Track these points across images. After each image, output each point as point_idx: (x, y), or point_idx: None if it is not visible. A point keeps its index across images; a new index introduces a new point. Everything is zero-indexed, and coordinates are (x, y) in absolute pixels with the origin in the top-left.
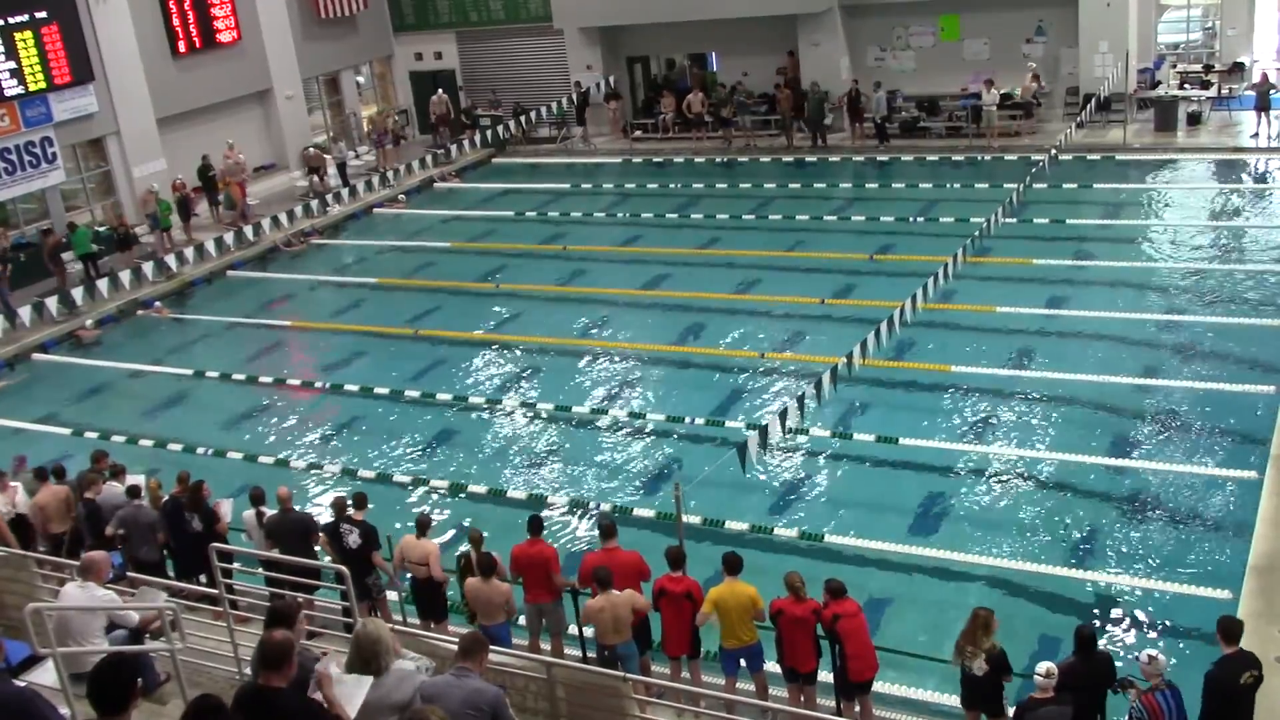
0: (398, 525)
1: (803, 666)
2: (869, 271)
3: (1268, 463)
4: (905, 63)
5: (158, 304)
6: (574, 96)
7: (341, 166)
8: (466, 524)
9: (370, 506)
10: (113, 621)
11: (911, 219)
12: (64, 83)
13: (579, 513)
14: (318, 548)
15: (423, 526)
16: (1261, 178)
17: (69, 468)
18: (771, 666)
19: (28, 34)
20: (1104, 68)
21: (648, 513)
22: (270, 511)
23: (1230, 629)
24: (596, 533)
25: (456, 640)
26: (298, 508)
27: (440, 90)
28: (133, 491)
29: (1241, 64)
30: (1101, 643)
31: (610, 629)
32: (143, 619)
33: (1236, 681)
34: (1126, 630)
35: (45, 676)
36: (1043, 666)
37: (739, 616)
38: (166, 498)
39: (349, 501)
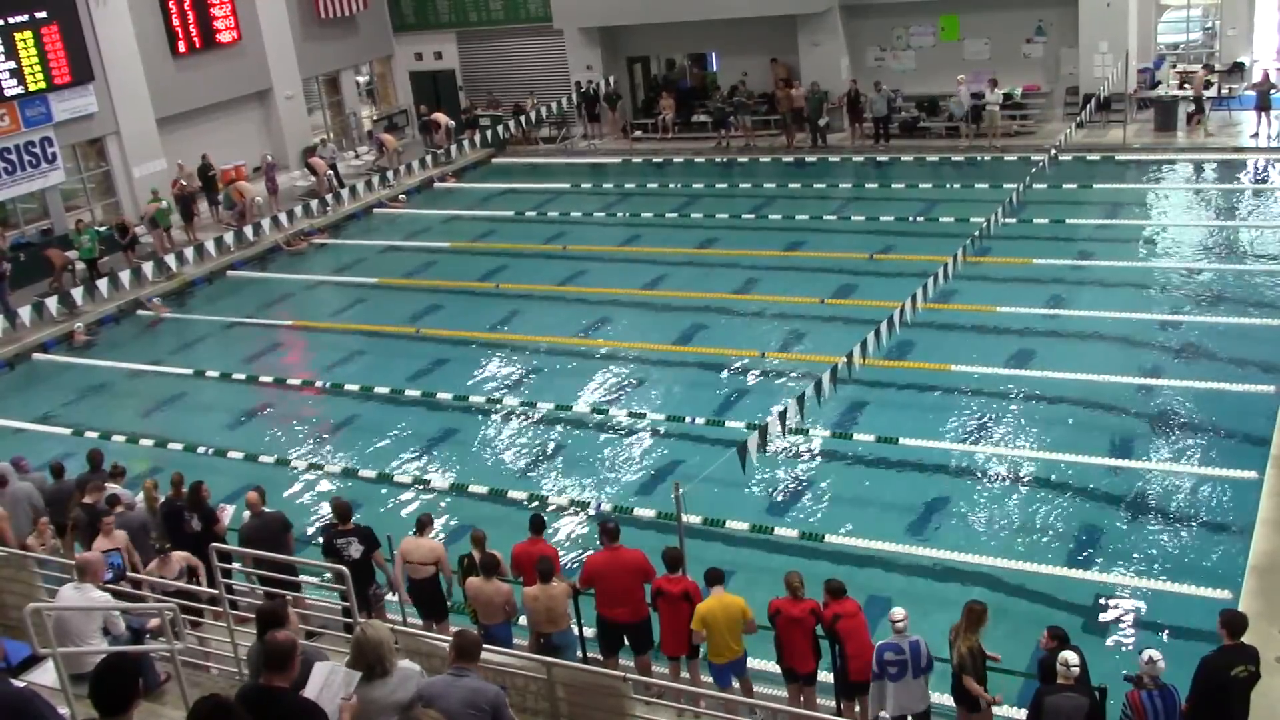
0: (396, 529)
1: (801, 667)
2: (869, 271)
3: (1268, 463)
4: (905, 63)
5: (155, 300)
6: (574, 96)
7: (333, 168)
8: (455, 522)
9: (350, 512)
10: (105, 627)
11: (911, 219)
12: (64, 83)
13: (579, 513)
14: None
15: (422, 526)
16: (1261, 177)
17: (69, 467)
18: (771, 666)
19: (28, 34)
20: (1104, 68)
21: (648, 513)
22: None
23: (1233, 622)
24: (597, 532)
25: None
26: (270, 508)
27: (444, 113)
28: (112, 500)
29: (1241, 64)
30: (1101, 643)
31: (544, 619)
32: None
33: (1228, 672)
34: (1127, 630)
35: (45, 676)
36: (1062, 655)
37: (729, 629)
38: (163, 499)
39: (338, 517)
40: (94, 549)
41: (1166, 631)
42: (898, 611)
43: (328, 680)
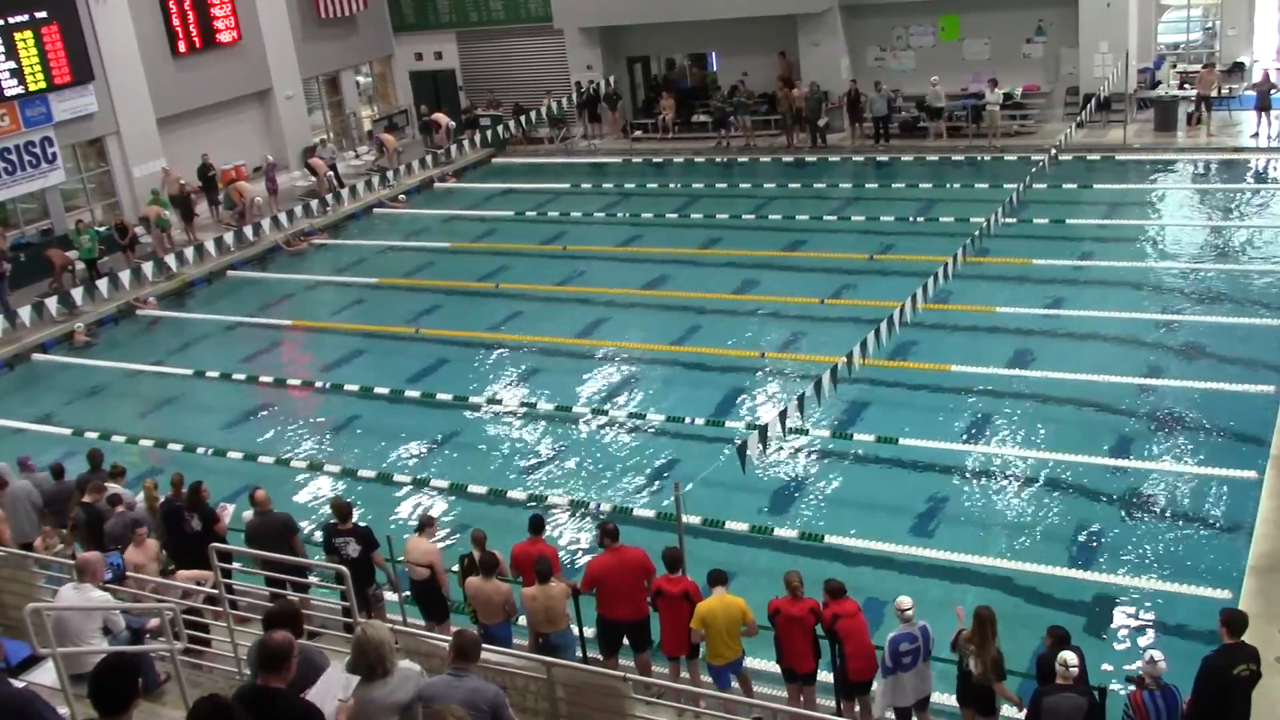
0: (394, 526)
1: (800, 666)
2: (869, 271)
3: (1268, 463)
4: (905, 63)
5: (151, 299)
6: (573, 96)
7: (333, 168)
8: (455, 522)
9: (355, 512)
10: (106, 625)
11: (911, 219)
12: (64, 83)
13: (579, 513)
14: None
15: (423, 526)
16: (1261, 177)
17: (69, 467)
18: (771, 666)
19: (28, 34)
20: (1104, 68)
21: (648, 513)
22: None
23: (1233, 621)
24: (597, 534)
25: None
26: (275, 509)
27: (444, 113)
28: (113, 500)
29: (1242, 64)
30: (1101, 643)
31: (543, 619)
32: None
33: (1230, 671)
34: (1127, 630)
35: (45, 676)
36: (1061, 655)
37: (728, 630)
38: (163, 499)
39: (337, 517)
40: (127, 559)
41: (1167, 631)
42: (905, 600)
43: (332, 686)
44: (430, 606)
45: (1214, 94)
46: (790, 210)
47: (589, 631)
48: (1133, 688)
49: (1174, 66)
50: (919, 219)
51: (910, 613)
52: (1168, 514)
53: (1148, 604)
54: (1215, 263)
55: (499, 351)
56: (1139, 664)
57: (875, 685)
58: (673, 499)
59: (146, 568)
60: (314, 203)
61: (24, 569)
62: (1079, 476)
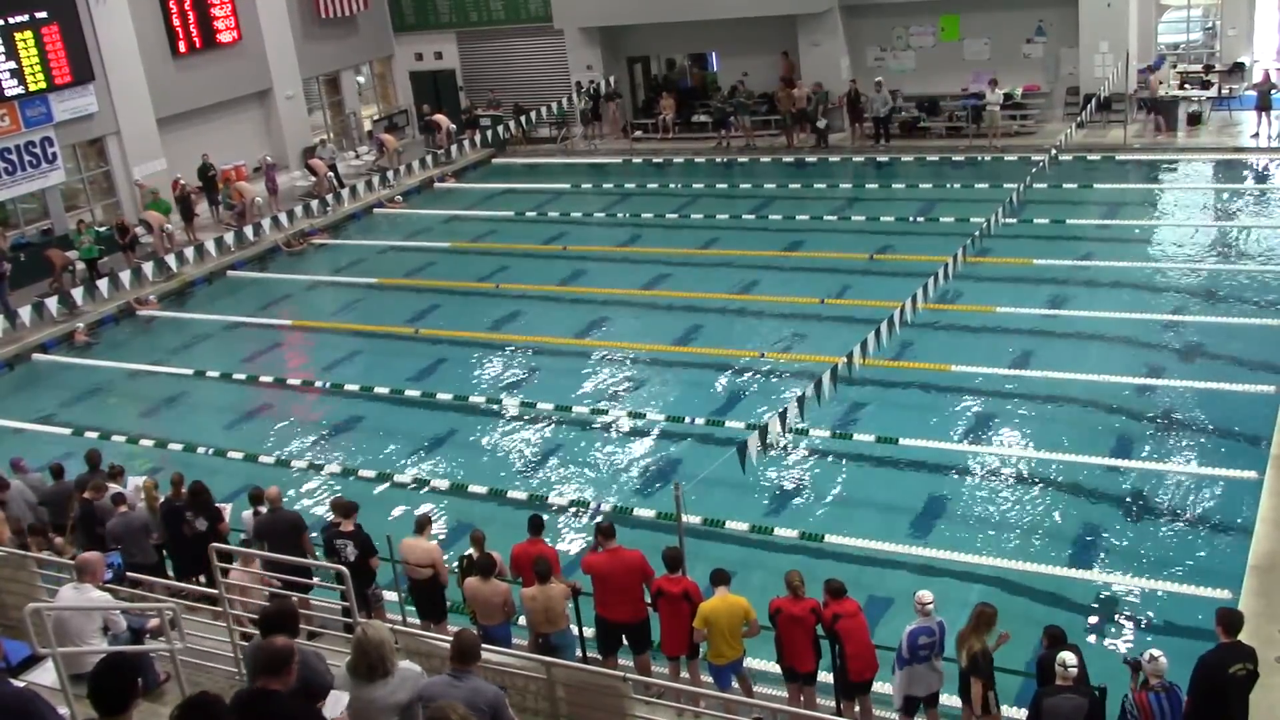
0: (394, 526)
1: (801, 666)
2: (869, 271)
3: (1268, 463)
4: (905, 63)
5: (152, 299)
6: (573, 96)
7: (333, 168)
8: (455, 522)
9: (358, 511)
10: (106, 625)
11: (911, 219)
12: (64, 83)
13: (579, 513)
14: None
15: (421, 526)
16: (1262, 177)
17: (68, 468)
18: (771, 666)
19: (28, 34)
20: (1104, 68)
21: (648, 513)
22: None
23: (1229, 620)
24: (594, 533)
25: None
26: (289, 507)
27: (443, 111)
28: (117, 499)
29: (1242, 64)
30: (1101, 643)
31: (542, 619)
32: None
33: (1226, 670)
34: (1126, 630)
35: (45, 676)
36: (1060, 656)
37: (730, 629)
38: (163, 499)
39: (339, 514)
40: (232, 580)
41: (1167, 631)
42: (926, 594)
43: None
44: (428, 607)
45: (1162, 95)
46: (790, 210)
47: (589, 631)
48: (1130, 670)
49: (1174, 67)
50: (919, 219)
51: (930, 606)
52: (1168, 514)
53: (1148, 604)
54: (1215, 263)
55: (499, 351)
56: (1142, 662)
57: (893, 676)
58: (673, 499)
59: (250, 590)
60: (314, 203)
61: (24, 569)
62: (1079, 476)
